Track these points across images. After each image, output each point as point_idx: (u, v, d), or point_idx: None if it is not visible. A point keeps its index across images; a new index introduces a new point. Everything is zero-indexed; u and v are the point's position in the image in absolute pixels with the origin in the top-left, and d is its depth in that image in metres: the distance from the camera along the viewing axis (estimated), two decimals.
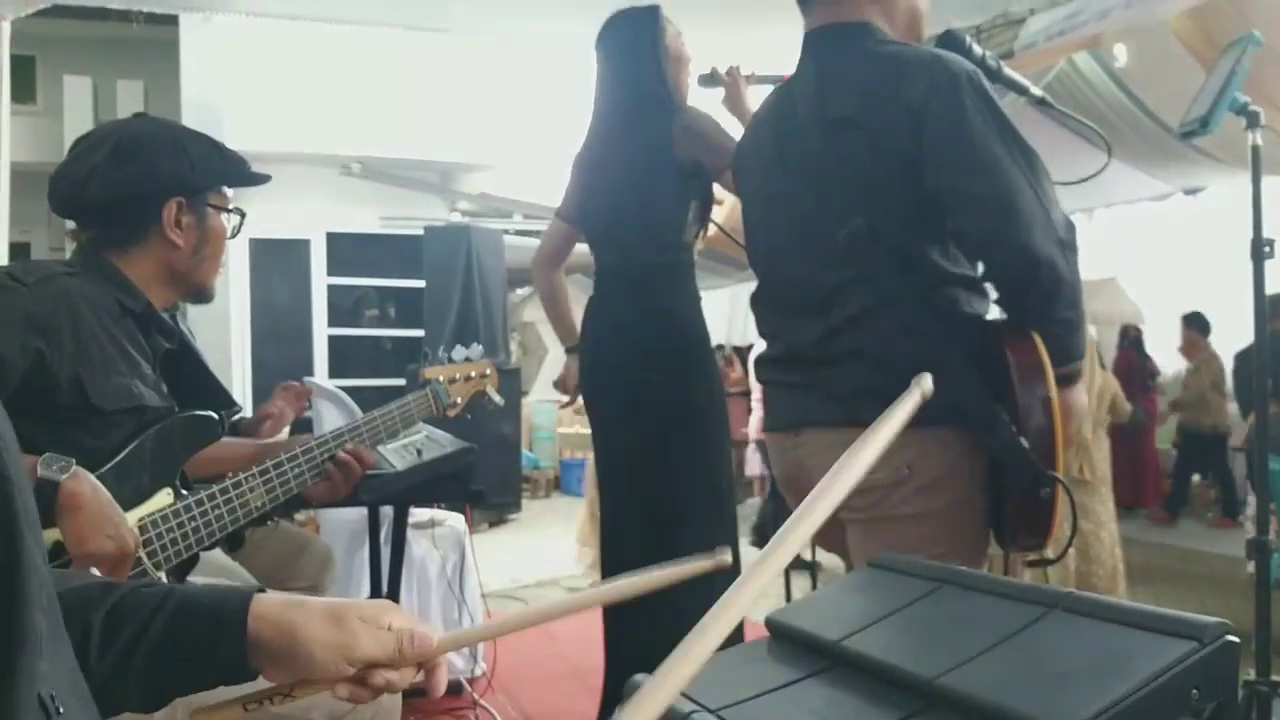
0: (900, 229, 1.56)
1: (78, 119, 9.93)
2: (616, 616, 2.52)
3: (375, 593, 2.49)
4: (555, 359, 9.10)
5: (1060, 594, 0.83)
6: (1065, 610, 0.82)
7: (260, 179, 1.66)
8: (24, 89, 10.05)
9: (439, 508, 3.45)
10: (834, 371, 1.60)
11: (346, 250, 7.79)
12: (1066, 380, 1.56)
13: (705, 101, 2.50)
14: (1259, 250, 2.36)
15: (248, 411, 2.53)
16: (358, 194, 8.46)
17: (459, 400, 1.89)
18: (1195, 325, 7.43)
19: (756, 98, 2.33)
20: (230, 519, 1.48)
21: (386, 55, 7.80)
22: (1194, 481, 8.11)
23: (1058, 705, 0.68)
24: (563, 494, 10.18)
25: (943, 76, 1.52)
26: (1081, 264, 1.54)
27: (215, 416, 1.55)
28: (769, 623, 0.99)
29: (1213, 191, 7.59)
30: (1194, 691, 0.69)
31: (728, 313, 10.68)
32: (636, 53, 2.50)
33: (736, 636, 2.75)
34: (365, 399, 2.42)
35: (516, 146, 8.47)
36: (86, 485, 1.27)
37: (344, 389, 2.89)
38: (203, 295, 1.63)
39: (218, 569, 1.91)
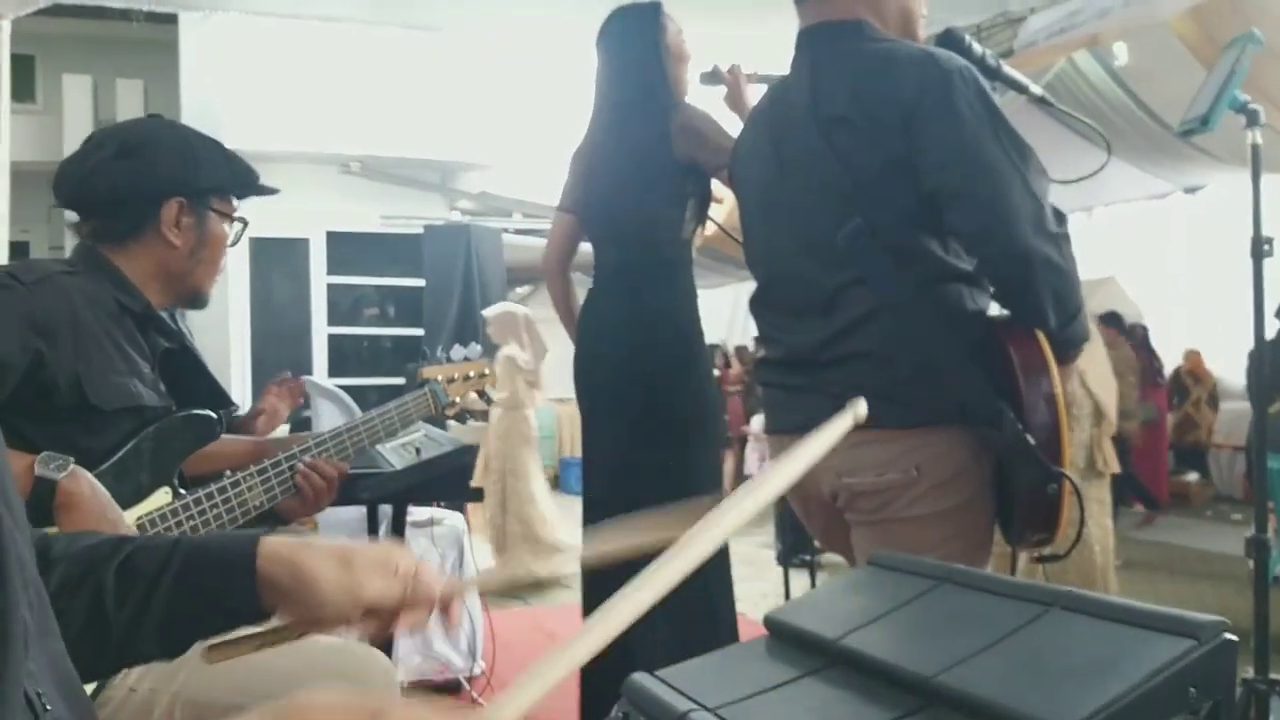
0: (899, 226, 1.55)
1: (77, 118, 9.93)
2: (598, 603, 2.48)
3: None
4: (555, 358, 9.10)
5: (1058, 592, 0.83)
6: (1063, 609, 0.82)
7: (267, 191, 1.66)
8: (24, 88, 10.04)
9: (438, 506, 3.45)
10: (838, 373, 1.59)
11: (346, 249, 7.80)
12: (1065, 361, 1.56)
13: (707, 100, 2.50)
14: (1258, 248, 2.36)
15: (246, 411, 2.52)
16: (357, 193, 8.46)
17: (458, 400, 1.89)
18: (1111, 323, 7.48)
19: (758, 96, 2.32)
20: (229, 518, 1.48)
21: (386, 54, 7.80)
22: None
23: (1056, 703, 0.68)
24: (562, 493, 10.18)
25: (934, 73, 1.51)
26: (1080, 262, 1.54)
27: (214, 416, 1.55)
28: (767, 621, 0.99)
29: (1212, 190, 7.60)
30: (1191, 690, 0.69)
31: (728, 312, 10.68)
32: (637, 50, 2.50)
33: (732, 635, 2.72)
34: (364, 398, 2.43)
35: (516, 145, 8.46)
36: (85, 484, 1.27)
37: (343, 388, 2.89)
38: (196, 300, 1.61)
39: None
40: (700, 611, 2.38)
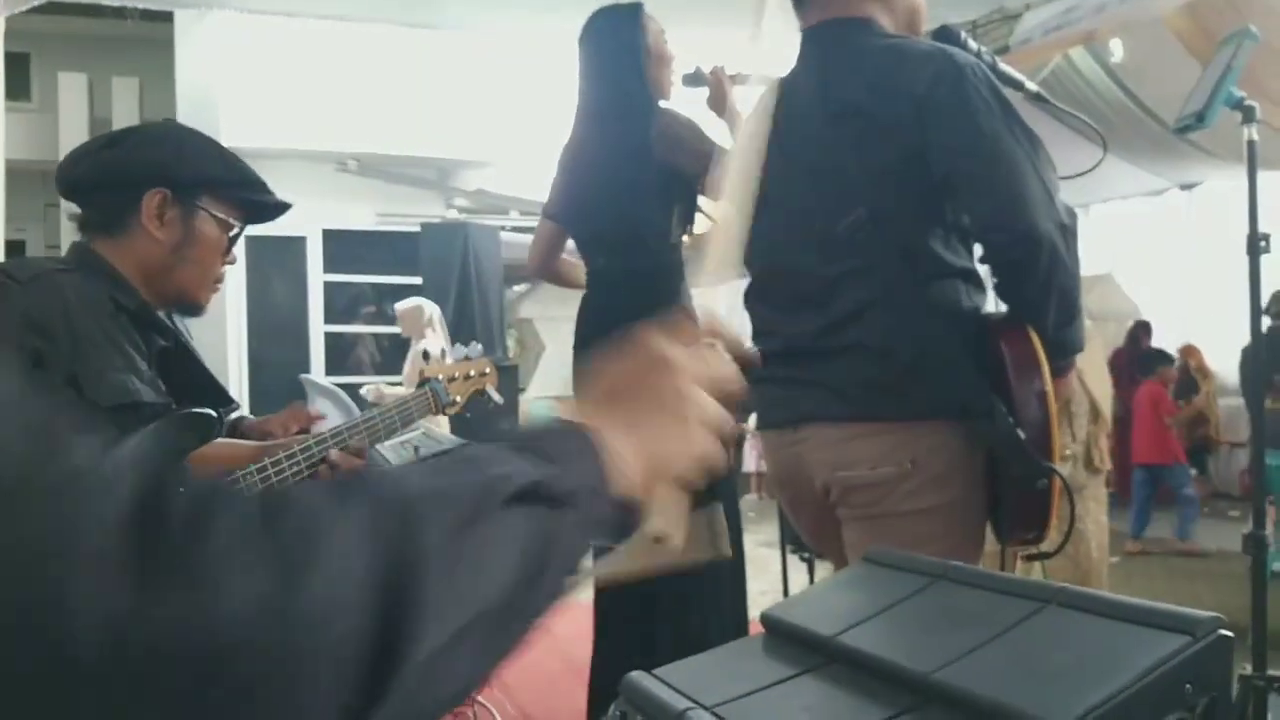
0: (902, 220, 1.57)
1: (72, 116, 9.90)
2: (606, 609, 2.51)
3: None
4: (552, 355, 9.10)
5: (1054, 589, 0.84)
6: (1060, 605, 0.82)
7: (280, 207, 1.65)
8: (19, 86, 9.99)
9: None
10: (835, 365, 1.60)
11: (343, 247, 7.79)
12: (1060, 373, 1.57)
13: (689, 102, 2.48)
14: (1254, 245, 2.36)
15: (245, 409, 2.52)
16: (354, 190, 8.43)
17: (458, 399, 1.88)
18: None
19: (741, 98, 2.31)
20: None
21: (383, 51, 7.78)
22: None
23: (1052, 700, 0.68)
24: None
25: (947, 67, 1.54)
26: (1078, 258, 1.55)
27: (212, 414, 1.54)
28: (764, 619, 0.99)
29: (1208, 186, 7.62)
30: (1187, 686, 0.70)
31: (723, 312, 10.66)
32: (616, 51, 2.47)
33: (741, 632, 2.73)
34: (362, 397, 2.42)
35: (514, 143, 8.44)
36: None
37: (340, 386, 2.89)
38: (185, 302, 1.60)
39: None
40: (711, 613, 2.39)
